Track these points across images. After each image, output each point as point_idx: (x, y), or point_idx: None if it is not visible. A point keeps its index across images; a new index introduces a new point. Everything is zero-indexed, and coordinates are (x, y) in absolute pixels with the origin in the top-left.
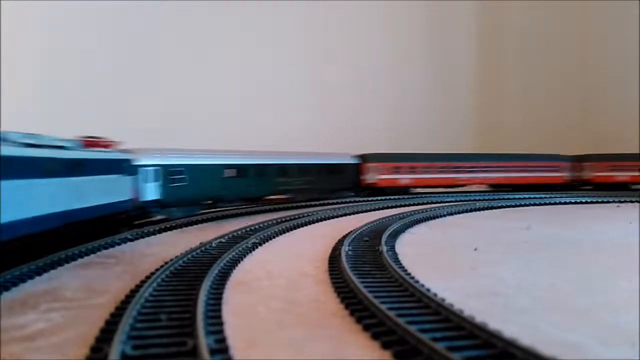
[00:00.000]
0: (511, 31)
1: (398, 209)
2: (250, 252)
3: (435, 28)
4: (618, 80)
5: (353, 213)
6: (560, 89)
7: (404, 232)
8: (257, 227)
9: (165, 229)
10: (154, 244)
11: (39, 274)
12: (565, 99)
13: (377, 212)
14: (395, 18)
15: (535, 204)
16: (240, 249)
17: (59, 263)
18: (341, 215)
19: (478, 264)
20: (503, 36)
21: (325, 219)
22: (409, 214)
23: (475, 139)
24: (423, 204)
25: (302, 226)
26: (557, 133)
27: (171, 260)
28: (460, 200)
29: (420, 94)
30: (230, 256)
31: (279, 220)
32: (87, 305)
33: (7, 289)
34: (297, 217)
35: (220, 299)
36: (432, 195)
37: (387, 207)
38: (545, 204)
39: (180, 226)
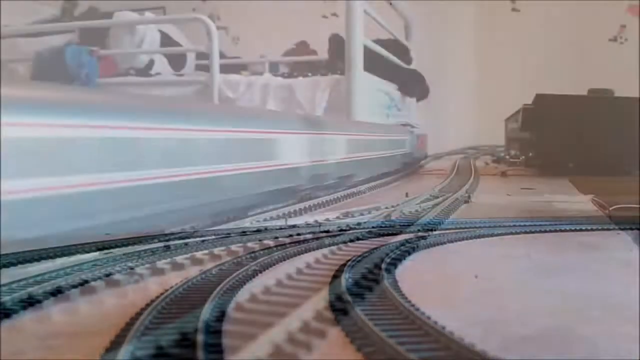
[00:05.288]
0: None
1: (397, 235)
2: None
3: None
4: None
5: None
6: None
7: (403, 259)
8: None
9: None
10: None
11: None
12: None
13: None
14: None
15: (537, 232)
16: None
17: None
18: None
19: (478, 291)
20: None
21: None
22: (407, 240)
23: None
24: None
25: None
26: None
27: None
28: (460, 228)
29: None
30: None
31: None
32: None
33: None
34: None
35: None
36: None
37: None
38: (547, 231)
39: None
